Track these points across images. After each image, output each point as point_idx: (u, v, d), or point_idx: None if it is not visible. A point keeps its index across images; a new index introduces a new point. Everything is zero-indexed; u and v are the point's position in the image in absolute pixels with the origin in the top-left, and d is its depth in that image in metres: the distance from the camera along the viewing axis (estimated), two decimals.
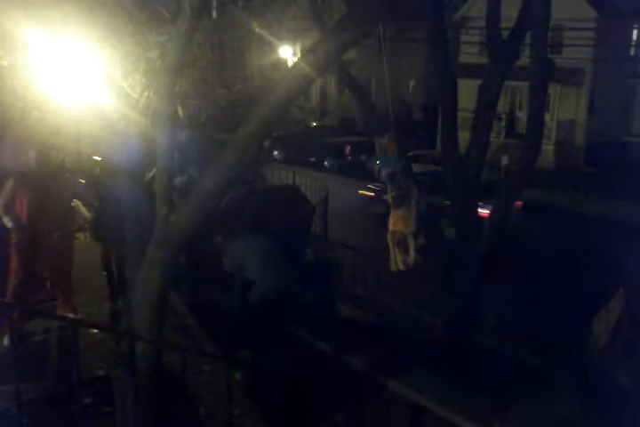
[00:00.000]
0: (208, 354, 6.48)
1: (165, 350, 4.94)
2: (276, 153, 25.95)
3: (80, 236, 8.47)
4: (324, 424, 6.39)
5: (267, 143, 17.09)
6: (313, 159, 25.37)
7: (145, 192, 4.97)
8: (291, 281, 6.89)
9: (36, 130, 6.80)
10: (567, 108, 24.99)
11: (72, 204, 7.01)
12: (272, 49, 26.93)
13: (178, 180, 7.78)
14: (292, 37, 28.67)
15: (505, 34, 8.07)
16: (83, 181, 8.04)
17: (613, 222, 17.14)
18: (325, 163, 25.53)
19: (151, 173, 5.47)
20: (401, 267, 6.84)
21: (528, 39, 7.90)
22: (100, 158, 8.61)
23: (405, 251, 6.73)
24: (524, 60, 7.83)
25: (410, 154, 19.68)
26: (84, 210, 7.59)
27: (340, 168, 24.94)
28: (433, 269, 8.33)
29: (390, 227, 6.91)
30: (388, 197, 7.06)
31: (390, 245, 6.86)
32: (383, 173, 7.55)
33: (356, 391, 6.72)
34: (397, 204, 6.93)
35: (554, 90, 23.60)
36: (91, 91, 5.06)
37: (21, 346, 5.85)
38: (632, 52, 26.20)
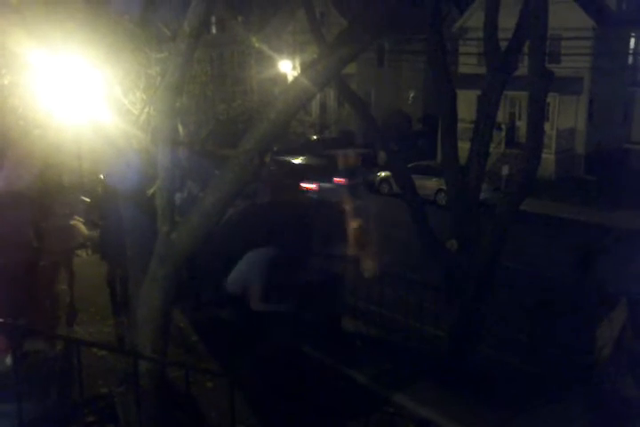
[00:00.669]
0: (211, 371, 6.45)
1: (169, 367, 4.91)
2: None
3: (82, 253, 8.47)
4: None
5: (267, 158, 17.12)
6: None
7: (146, 209, 4.97)
8: (294, 294, 6.91)
9: (37, 148, 6.82)
10: (567, 117, 25.04)
11: (71, 222, 7.02)
12: (272, 63, 27.06)
13: (178, 196, 7.80)
14: (291, 51, 28.83)
15: (503, 44, 8.10)
16: (87, 200, 8.06)
17: (623, 231, 17.04)
18: None
19: (152, 190, 5.48)
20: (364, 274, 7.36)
21: (527, 49, 7.92)
22: (102, 176, 8.64)
23: (365, 259, 7.32)
24: (522, 69, 7.84)
25: (410, 165, 19.71)
26: (82, 228, 7.60)
27: None
28: (436, 282, 8.29)
29: (351, 237, 7.47)
30: (347, 208, 7.50)
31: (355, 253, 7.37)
32: (345, 184, 8.07)
33: (360, 405, 6.66)
34: (355, 215, 7.46)
35: (553, 99, 23.66)
36: (92, 108, 5.08)
37: (22, 365, 5.81)
38: (630, 60, 26.30)
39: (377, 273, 7.63)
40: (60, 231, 6.62)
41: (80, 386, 4.24)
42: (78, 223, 7.56)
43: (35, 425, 4.65)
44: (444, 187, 9.22)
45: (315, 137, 30.58)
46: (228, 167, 4.34)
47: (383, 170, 22.61)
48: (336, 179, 15.44)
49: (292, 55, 28.17)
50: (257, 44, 23.90)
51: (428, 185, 20.10)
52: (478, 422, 6.81)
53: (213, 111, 16.46)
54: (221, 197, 4.28)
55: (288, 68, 25.71)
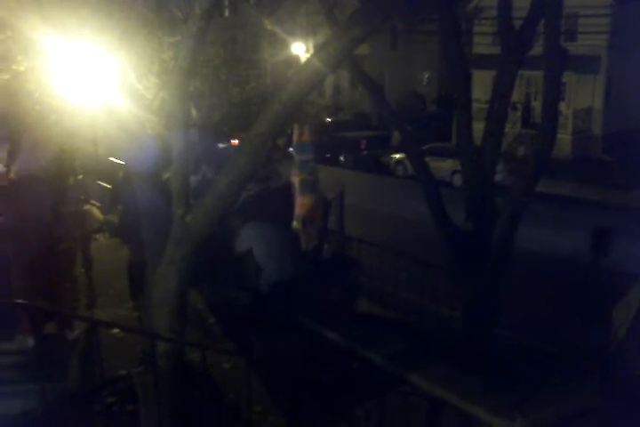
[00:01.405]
0: (228, 351, 6.54)
1: (186, 348, 4.99)
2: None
3: (100, 237, 8.57)
4: (344, 418, 6.42)
5: (281, 141, 17.12)
6: (328, 155, 25.38)
7: (162, 193, 5.02)
8: (299, 269, 7.07)
9: (53, 133, 6.87)
10: (584, 96, 24.73)
11: (85, 207, 7.10)
12: (285, 46, 26.92)
13: (192, 179, 7.85)
14: (304, 34, 28.65)
15: (517, 23, 8.01)
16: (107, 185, 8.12)
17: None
18: (341, 158, 25.50)
19: (167, 174, 5.52)
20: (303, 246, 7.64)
21: (542, 28, 7.83)
22: (121, 161, 8.71)
23: (310, 233, 7.53)
24: (538, 48, 7.75)
25: (425, 147, 19.61)
26: (97, 213, 7.68)
27: (356, 163, 24.88)
28: (451, 263, 8.30)
29: (297, 210, 7.67)
30: (295, 181, 7.68)
31: (299, 227, 7.64)
32: (296, 159, 8.17)
33: (375, 385, 6.73)
34: (303, 189, 7.63)
35: (570, 78, 23.37)
36: (106, 93, 5.11)
37: (43, 346, 5.94)
38: None
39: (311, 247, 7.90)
40: (75, 216, 6.70)
41: (100, 367, 4.31)
42: (93, 208, 7.64)
43: (56, 406, 4.75)
44: (459, 168, 9.17)
45: (329, 119, 30.47)
46: (241, 150, 4.36)
47: (398, 151, 22.54)
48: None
49: (305, 37, 28.01)
50: (269, 27, 23.79)
51: (444, 166, 20.01)
52: (492, 402, 6.86)
53: (227, 94, 16.43)
54: (235, 179, 4.31)
55: (301, 50, 25.57)
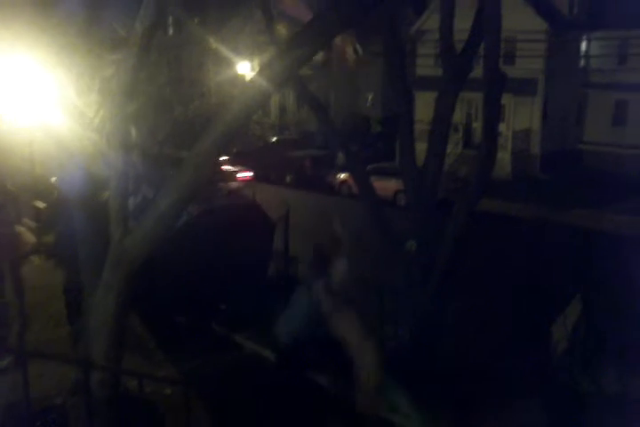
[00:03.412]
0: (166, 380, 6.32)
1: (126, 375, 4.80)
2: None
3: (35, 259, 8.25)
4: None
5: (224, 161, 17.00)
6: (274, 174, 25.34)
7: (99, 214, 4.86)
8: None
9: None
10: (522, 117, 25.46)
11: (17, 229, 6.82)
12: (230, 65, 26.86)
13: (132, 201, 7.66)
14: (249, 53, 28.66)
15: (460, 46, 8.19)
16: (41, 205, 7.86)
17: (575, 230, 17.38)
18: (287, 178, 25.48)
19: (106, 194, 5.36)
20: None
21: (482, 51, 8.02)
22: (55, 180, 8.45)
23: None
24: (478, 71, 7.93)
25: (370, 167, 19.78)
26: (29, 236, 7.38)
27: (301, 183, 24.90)
28: (395, 281, 8.32)
29: None
30: None
31: None
32: None
33: (318, 405, 6.62)
34: None
35: (509, 100, 24.05)
36: (44, 111, 4.95)
37: None
38: (582, 62, 26.90)
39: None
40: (4, 239, 6.40)
41: (27, 399, 4.09)
42: (25, 231, 7.34)
43: None
44: (402, 188, 9.26)
45: (274, 139, 30.46)
46: (183, 170, 4.27)
47: (342, 171, 22.66)
48: None
49: (250, 56, 28.02)
50: (214, 46, 23.72)
51: (388, 186, 20.18)
52: (440, 419, 6.85)
53: (171, 114, 16.25)
54: (176, 200, 4.20)
55: (247, 69, 25.55)
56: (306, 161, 26.10)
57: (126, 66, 4.35)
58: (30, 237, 7.27)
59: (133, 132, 7.52)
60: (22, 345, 6.25)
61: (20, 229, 7.19)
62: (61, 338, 7.03)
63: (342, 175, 23.01)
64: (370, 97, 32.84)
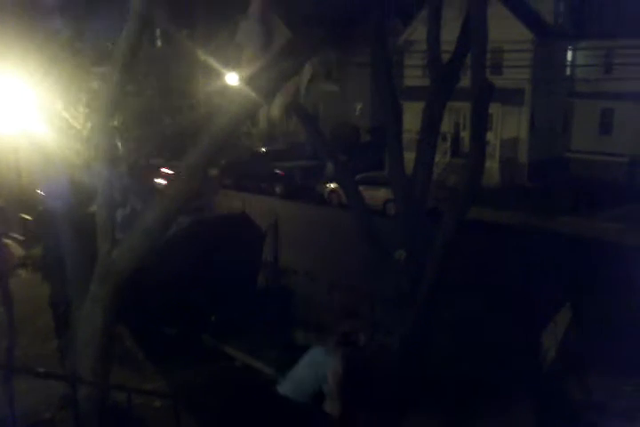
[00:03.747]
0: (154, 393, 6.25)
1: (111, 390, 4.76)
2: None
3: (22, 272, 8.18)
4: None
5: (213, 173, 16.95)
6: (263, 185, 25.33)
7: (85, 228, 4.83)
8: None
9: None
10: (510, 126, 25.64)
11: (3, 242, 6.75)
12: (218, 76, 26.87)
13: (119, 213, 7.62)
14: (237, 64, 28.69)
15: (446, 57, 8.24)
16: (27, 217, 7.80)
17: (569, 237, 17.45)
18: (276, 188, 25.49)
19: (93, 207, 5.33)
20: None
21: (469, 61, 8.07)
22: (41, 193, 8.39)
23: None
24: (466, 81, 7.98)
25: (359, 176, 19.83)
26: (16, 249, 7.31)
27: (291, 193, 24.91)
28: (386, 291, 8.32)
29: None
30: None
31: None
32: None
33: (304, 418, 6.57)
34: None
35: (496, 110, 24.21)
36: (31, 123, 4.94)
37: None
38: (568, 72, 27.14)
39: None
40: None
41: (13, 415, 4.04)
42: (11, 244, 7.28)
43: None
44: (392, 197, 9.28)
45: (263, 149, 30.46)
46: (171, 182, 4.26)
47: (331, 181, 22.71)
48: None
49: (239, 68, 28.04)
50: (203, 58, 23.76)
51: (377, 195, 20.22)
52: None
53: (159, 125, 16.21)
54: (163, 212, 4.19)
55: (235, 80, 25.60)
56: (295, 171, 26.14)
57: (111, 79, 4.34)
58: (17, 250, 7.20)
59: (120, 144, 7.50)
60: (11, 360, 6.16)
61: (7, 241, 7.12)
62: (50, 353, 6.95)
63: (331, 185, 23.04)
64: (358, 107, 32.95)
